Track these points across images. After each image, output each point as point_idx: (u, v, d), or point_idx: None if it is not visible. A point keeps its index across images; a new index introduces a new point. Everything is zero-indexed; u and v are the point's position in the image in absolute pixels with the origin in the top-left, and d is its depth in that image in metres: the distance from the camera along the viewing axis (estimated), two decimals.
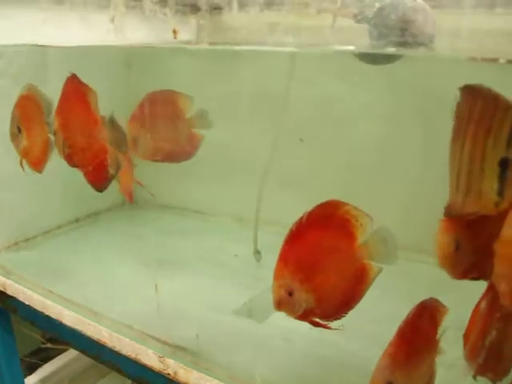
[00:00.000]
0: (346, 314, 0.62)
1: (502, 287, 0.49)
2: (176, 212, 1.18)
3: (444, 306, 0.59)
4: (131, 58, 1.18)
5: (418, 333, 0.59)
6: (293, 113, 0.95)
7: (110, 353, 0.85)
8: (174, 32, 0.63)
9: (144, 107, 0.81)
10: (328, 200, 0.60)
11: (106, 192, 1.20)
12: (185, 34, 0.92)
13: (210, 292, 0.93)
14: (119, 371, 0.89)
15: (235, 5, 0.59)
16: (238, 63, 0.95)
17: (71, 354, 1.35)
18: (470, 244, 0.54)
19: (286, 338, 0.80)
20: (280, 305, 0.62)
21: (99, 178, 0.86)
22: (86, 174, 0.87)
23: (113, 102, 1.20)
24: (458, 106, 0.49)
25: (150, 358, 0.78)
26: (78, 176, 0.89)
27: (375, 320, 0.77)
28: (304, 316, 0.62)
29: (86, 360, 1.31)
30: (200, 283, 0.96)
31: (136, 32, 0.79)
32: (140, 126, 0.81)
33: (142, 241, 1.10)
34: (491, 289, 0.53)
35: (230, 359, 0.77)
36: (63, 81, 0.84)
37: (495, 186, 0.46)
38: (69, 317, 0.90)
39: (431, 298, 0.59)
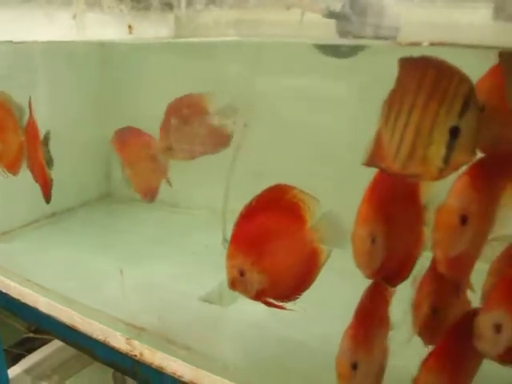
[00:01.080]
0: (299, 295, 0.64)
1: (438, 254, 0.52)
2: (151, 206, 1.22)
3: None
4: (104, 55, 1.21)
5: (373, 312, 0.61)
6: (263, 105, 0.98)
7: (85, 339, 0.88)
8: (129, 27, 0.66)
9: (171, 115, 0.84)
10: (275, 184, 0.63)
11: (82, 187, 1.27)
12: (163, 30, 0.95)
13: (179, 279, 0.96)
14: (93, 356, 0.92)
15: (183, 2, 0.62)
16: (208, 57, 0.98)
17: (55, 344, 1.37)
18: (385, 238, 0.56)
19: (250, 321, 0.83)
20: (234, 284, 0.65)
21: (43, 191, 0.95)
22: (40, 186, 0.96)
23: (87, 98, 1.24)
24: (402, 75, 0.49)
25: (118, 340, 0.82)
26: (54, 172, 0.94)
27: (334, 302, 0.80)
28: (257, 296, 0.65)
29: (69, 350, 1.33)
30: (169, 271, 0.99)
31: (104, 29, 0.82)
32: (170, 134, 0.84)
33: (116, 232, 1.13)
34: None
35: (194, 342, 0.79)
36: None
37: (442, 153, 0.47)
38: (43, 303, 0.93)
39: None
